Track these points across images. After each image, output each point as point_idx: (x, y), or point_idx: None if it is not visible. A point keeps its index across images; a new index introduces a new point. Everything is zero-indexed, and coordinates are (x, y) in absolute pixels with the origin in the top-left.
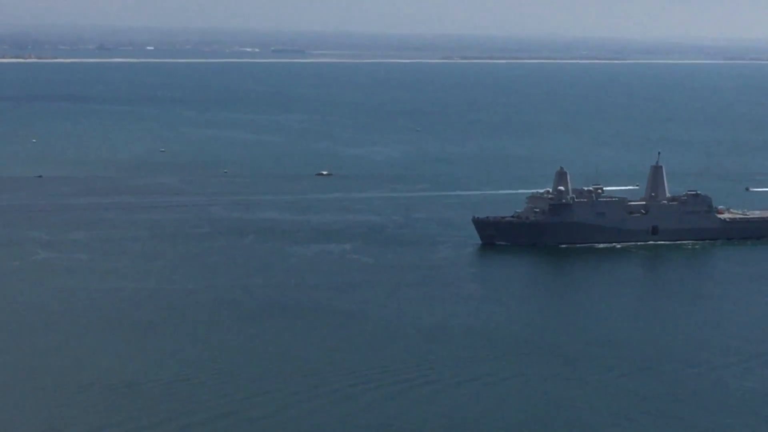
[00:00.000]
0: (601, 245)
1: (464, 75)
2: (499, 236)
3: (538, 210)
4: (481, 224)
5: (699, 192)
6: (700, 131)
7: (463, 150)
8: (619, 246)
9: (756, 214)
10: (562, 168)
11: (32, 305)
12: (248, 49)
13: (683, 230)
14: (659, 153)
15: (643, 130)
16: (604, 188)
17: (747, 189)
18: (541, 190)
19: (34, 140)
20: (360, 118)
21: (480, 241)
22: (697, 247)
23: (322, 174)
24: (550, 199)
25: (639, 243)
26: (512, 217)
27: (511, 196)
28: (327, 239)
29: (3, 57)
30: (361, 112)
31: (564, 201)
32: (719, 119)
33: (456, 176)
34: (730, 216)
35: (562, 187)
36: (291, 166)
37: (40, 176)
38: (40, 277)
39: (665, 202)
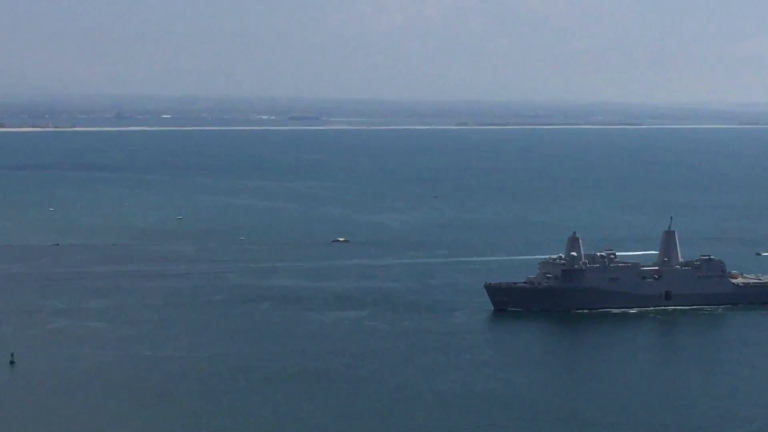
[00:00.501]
0: (615, 310)
1: (480, 141)
2: (511, 302)
3: (550, 275)
4: (493, 290)
5: (712, 257)
6: (714, 195)
7: (479, 216)
8: (632, 311)
9: None
10: (574, 233)
11: (48, 373)
12: (265, 117)
13: (697, 295)
14: (671, 218)
15: (657, 194)
16: (617, 253)
17: (758, 254)
18: (554, 256)
19: (51, 209)
20: (376, 185)
21: (492, 308)
22: (710, 311)
23: (339, 240)
24: (563, 264)
25: (652, 308)
26: (525, 282)
27: (527, 262)
28: (344, 306)
29: (21, 126)
30: (377, 179)
31: (576, 266)
32: (733, 183)
33: (472, 242)
34: (743, 281)
35: (574, 253)
36: (307, 233)
37: (57, 244)
38: (56, 345)
39: (678, 267)
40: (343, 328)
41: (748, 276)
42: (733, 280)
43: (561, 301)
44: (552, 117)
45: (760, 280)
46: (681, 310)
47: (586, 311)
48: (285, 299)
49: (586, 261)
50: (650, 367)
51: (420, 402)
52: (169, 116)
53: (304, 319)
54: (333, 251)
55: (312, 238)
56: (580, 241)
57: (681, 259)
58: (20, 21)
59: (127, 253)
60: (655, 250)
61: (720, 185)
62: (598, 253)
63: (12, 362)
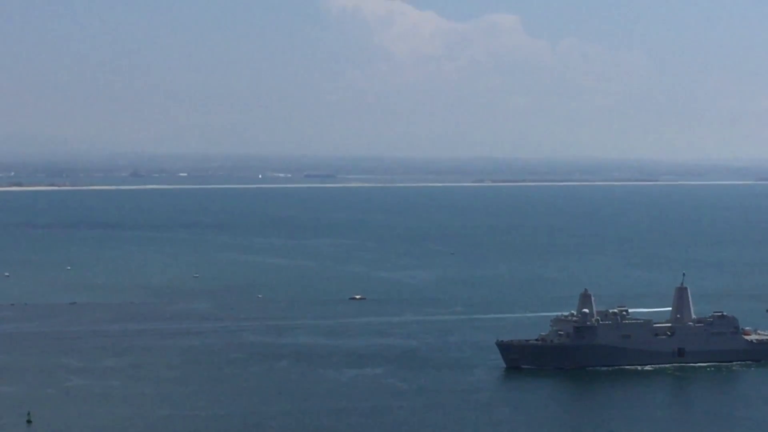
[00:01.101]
0: (628, 367)
1: (496, 198)
2: (523, 360)
3: (562, 333)
4: (505, 348)
5: (725, 313)
6: (728, 252)
7: (495, 272)
8: (645, 368)
9: None
10: (586, 290)
11: None
12: (281, 175)
13: (710, 352)
14: (684, 274)
15: (670, 250)
16: (630, 310)
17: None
18: (566, 313)
19: (68, 267)
20: (392, 242)
21: (504, 365)
22: (724, 368)
23: (356, 298)
24: (575, 321)
25: (665, 365)
26: (537, 340)
27: (543, 319)
28: (360, 363)
29: (38, 185)
30: (394, 236)
31: (588, 323)
32: (747, 239)
33: (488, 299)
34: (757, 337)
35: (586, 310)
36: (324, 291)
37: (74, 303)
38: (73, 404)
39: (691, 323)
40: (360, 385)
41: (762, 332)
42: (747, 337)
43: (573, 359)
44: (568, 174)
45: None
46: (694, 366)
47: (599, 368)
48: (302, 356)
49: (599, 318)
50: (665, 425)
51: None
52: (185, 174)
53: (321, 376)
54: (350, 308)
55: (329, 296)
56: (592, 298)
57: (694, 316)
58: (37, 80)
59: (143, 312)
60: (668, 307)
61: (733, 241)
62: (611, 310)
63: (29, 421)
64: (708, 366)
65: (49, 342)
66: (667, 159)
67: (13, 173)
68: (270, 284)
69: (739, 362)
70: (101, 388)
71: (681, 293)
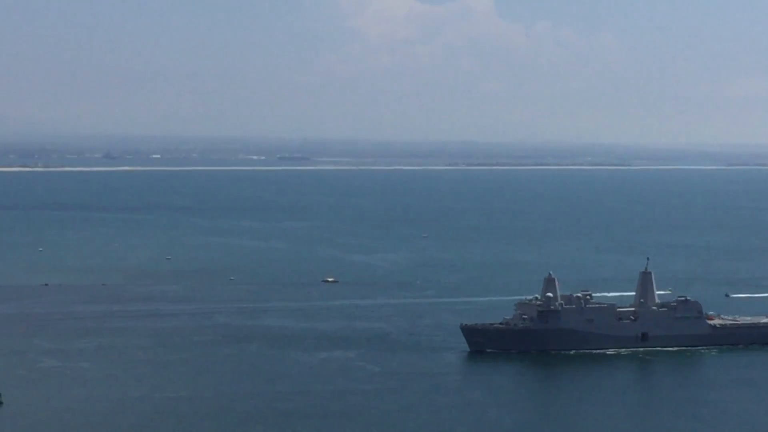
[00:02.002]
0: (591, 351)
1: (470, 181)
2: (487, 343)
3: (526, 317)
4: (469, 331)
5: (688, 298)
6: (694, 236)
7: (467, 256)
8: (608, 352)
9: (747, 320)
10: (550, 274)
11: (36, 413)
12: (254, 157)
13: (673, 336)
14: (648, 259)
15: (639, 235)
16: (594, 294)
17: (727, 295)
18: (530, 297)
19: (40, 249)
20: (365, 225)
21: (468, 349)
22: (687, 352)
23: (328, 281)
24: (538, 305)
25: (629, 349)
26: (501, 323)
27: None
28: (332, 346)
29: (10, 166)
30: (367, 219)
31: (552, 307)
32: (715, 224)
33: (460, 282)
34: (720, 322)
35: (550, 294)
36: (297, 273)
37: (46, 284)
38: (44, 385)
39: (655, 308)
40: (331, 368)
41: (726, 317)
42: (710, 322)
43: (537, 342)
44: (542, 158)
45: (736, 321)
46: (658, 351)
47: (562, 352)
48: (273, 339)
49: (562, 302)
50: (628, 408)
51: None
52: (158, 156)
53: (292, 359)
54: (322, 291)
55: (301, 278)
56: (556, 282)
57: (658, 300)
58: (9, 61)
59: (115, 293)
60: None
61: (702, 226)
62: (575, 294)
63: (0, 402)
64: (671, 350)
65: (21, 323)
66: (640, 144)
67: None
68: (242, 267)
69: (702, 347)
70: (72, 369)
71: (645, 278)
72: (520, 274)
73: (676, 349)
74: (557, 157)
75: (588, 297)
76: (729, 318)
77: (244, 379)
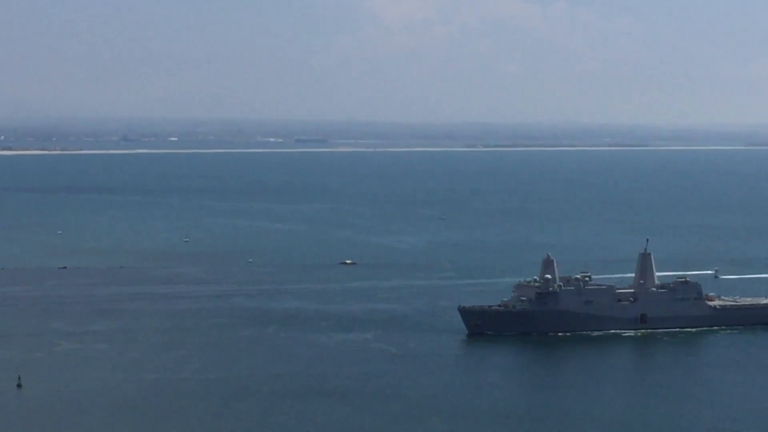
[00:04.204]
0: (589, 333)
1: (488, 163)
2: (485, 325)
3: (524, 298)
4: (467, 313)
5: (688, 279)
6: (703, 217)
7: (486, 237)
8: (607, 334)
9: (747, 300)
10: (549, 256)
11: (55, 396)
12: (271, 139)
13: (672, 318)
14: (648, 240)
15: (652, 216)
16: (606, 276)
17: (716, 276)
18: (528, 279)
19: (59, 232)
20: (383, 207)
21: (466, 331)
22: (686, 334)
23: (346, 263)
24: (537, 287)
25: (627, 331)
26: (499, 305)
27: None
28: (350, 328)
29: (28, 149)
30: (384, 201)
31: (551, 289)
32: (727, 205)
33: (478, 264)
34: (720, 303)
35: (548, 275)
36: (315, 256)
37: (65, 267)
38: (63, 368)
39: (654, 289)
40: (348, 349)
41: (726, 298)
42: (710, 303)
43: (535, 325)
44: (559, 139)
45: (737, 302)
46: (657, 332)
47: (560, 334)
48: (291, 321)
49: (561, 284)
50: (627, 389)
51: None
52: (176, 139)
53: (310, 341)
54: (340, 273)
55: (319, 261)
56: (555, 264)
57: (657, 282)
58: (27, 45)
59: (133, 276)
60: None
61: (713, 207)
62: (574, 276)
63: (19, 385)
64: (670, 332)
65: (39, 306)
66: (658, 124)
67: (2, 137)
68: (260, 249)
69: (701, 328)
70: (91, 352)
71: (644, 259)
72: (540, 254)
73: (675, 330)
74: (575, 138)
75: (587, 279)
76: (729, 299)
77: (262, 361)
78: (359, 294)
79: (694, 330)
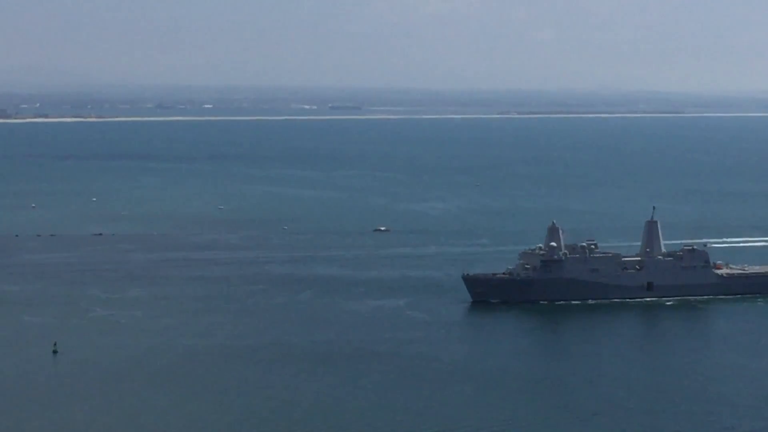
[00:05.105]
0: (595, 302)
1: (522, 130)
2: (490, 293)
3: (529, 266)
4: (471, 281)
5: (695, 247)
6: (734, 184)
7: (520, 204)
8: (613, 302)
9: (756, 269)
10: (554, 223)
11: (90, 362)
12: (306, 106)
13: (679, 286)
14: (654, 208)
15: (696, 182)
16: (616, 244)
17: (705, 245)
18: (533, 246)
19: (94, 199)
20: (417, 174)
21: (471, 299)
22: (693, 303)
23: (380, 230)
24: (542, 255)
25: (634, 299)
26: (504, 273)
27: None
28: (384, 295)
29: (63, 116)
30: (419, 168)
31: (556, 257)
32: (752, 171)
33: (513, 230)
34: (728, 271)
35: (554, 243)
36: (349, 222)
37: (100, 234)
38: (98, 334)
39: (661, 257)
40: (382, 316)
41: (734, 267)
42: (718, 271)
43: (540, 293)
44: (594, 106)
45: (744, 270)
46: (663, 300)
47: (565, 302)
48: (326, 288)
49: (566, 252)
50: (632, 358)
51: (460, 381)
52: (210, 106)
53: (344, 307)
54: (374, 240)
55: (353, 227)
56: (560, 231)
57: (664, 250)
58: (63, 13)
59: (168, 243)
60: (673, 240)
61: (745, 173)
62: (580, 244)
63: (55, 351)
64: (677, 300)
65: (75, 273)
66: (694, 91)
67: (38, 104)
68: (295, 216)
69: (708, 296)
70: (126, 318)
71: (651, 226)
72: (573, 222)
73: (682, 298)
74: (609, 105)
75: (593, 246)
76: (737, 267)
77: (296, 327)
78: (393, 261)
79: (701, 298)
